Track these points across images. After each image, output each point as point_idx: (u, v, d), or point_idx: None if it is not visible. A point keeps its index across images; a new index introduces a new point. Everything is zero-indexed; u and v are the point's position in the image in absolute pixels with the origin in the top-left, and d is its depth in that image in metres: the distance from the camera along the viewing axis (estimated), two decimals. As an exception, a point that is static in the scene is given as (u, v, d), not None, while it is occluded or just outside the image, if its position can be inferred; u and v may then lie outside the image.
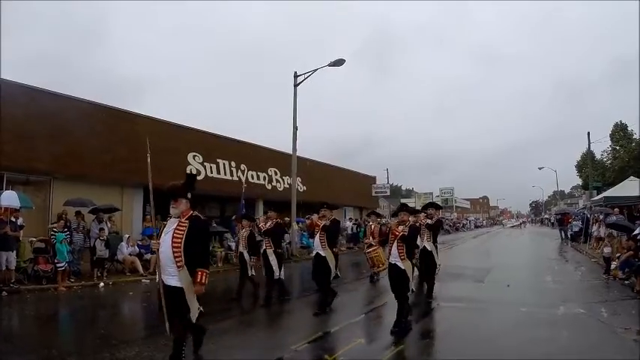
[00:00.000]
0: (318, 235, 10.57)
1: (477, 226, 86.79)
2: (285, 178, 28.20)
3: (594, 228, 25.01)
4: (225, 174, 24.67)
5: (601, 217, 22.79)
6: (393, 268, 8.62)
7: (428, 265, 12.07)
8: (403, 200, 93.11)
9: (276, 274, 11.57)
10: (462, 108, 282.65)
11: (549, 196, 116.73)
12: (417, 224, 10.11)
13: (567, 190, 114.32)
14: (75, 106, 17.93)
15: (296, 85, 22.23)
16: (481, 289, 13.62)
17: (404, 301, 8.55)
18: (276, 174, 28.48)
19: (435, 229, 12.49)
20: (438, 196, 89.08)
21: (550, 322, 9.14)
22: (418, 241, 10.76)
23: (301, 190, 27.89)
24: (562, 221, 35.65)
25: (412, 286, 8.63)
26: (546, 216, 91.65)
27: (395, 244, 8.62)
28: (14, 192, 14.35)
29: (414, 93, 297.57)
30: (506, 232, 60.40)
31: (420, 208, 14.31)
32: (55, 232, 14.58)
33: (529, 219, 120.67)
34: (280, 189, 28.66)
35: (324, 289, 10.76)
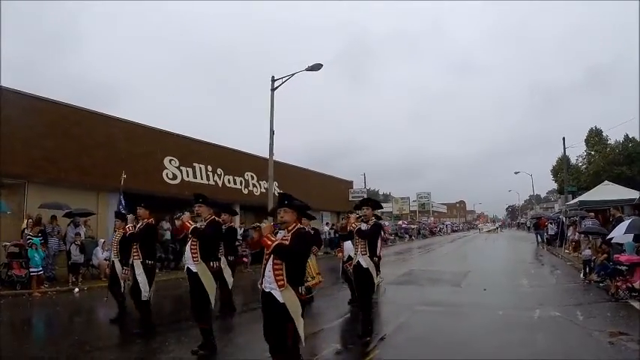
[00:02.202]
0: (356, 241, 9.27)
1: (453, 230, 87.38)
2: (262, 183, 28.23)
3: (570, 232, 25.28)
4: (202, 178, 24.64)
5: (576, 219, 23.02)
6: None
7: (362, 288, 8.51)
8: (385, 205, 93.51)
9: (144, 294, 8.99)
10: (437, 116, 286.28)
11: (525, 201, 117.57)
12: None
13: (543, 195, 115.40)
14: (51, 109, 17.91)
15: (273, 90, 22.19)
16: (458, 293, 13.68)
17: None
18: (252, 178, 28.49)
19: (371, 237, 8.56)
20: (415, 201, 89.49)
21: (526, 325, 9.25)
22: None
23: (277, 195, 27.75)
24: (538, 225, 35.95)
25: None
26: (522, 220, 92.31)
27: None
28: None
29: (389, 101, 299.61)
30: (483, 237, 60.68)
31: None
32: (31, 236, 14.46)
33: (505, 223, 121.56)
34: (257, 193, 28.73)
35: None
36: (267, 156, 23.26)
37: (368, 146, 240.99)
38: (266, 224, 5.86)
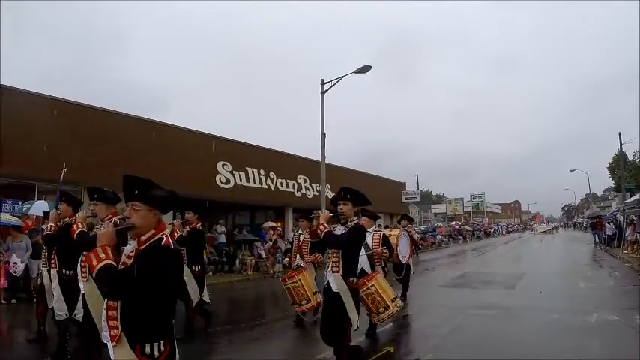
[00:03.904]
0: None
1: (508, 232, 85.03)
2: (314, 186, 28.14)
3: (628, 231, 24.52)
4: (255, 182, 24.59)
5: (635, 218, 22.33)
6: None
7: (332, 324, 5.90)
8: (435, 207, 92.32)
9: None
10: (482, 113, 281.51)
11: (582, 200, 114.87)
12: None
13: (600, 193, 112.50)
14: (102, 117, 18.23)
15: (323, 93, 22.04)
16: (512, 295, 13.26)
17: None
18: (305, 181, 28.40)
19: (346, 245, 5.90)
20: (468, 202, 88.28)
21: (583, 330, 8.85)
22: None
23: (331, 198, 27.51)
24: (595, 225, 34.94)
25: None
26: (579, 220, 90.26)
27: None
28: (45, 202, 14.48)
29: (434, 99, 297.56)
30: (538, 238, 59.29)
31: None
32: None
33: (561, 223, 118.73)
34: (309, 196, 28.51)
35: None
36: (318, 159, 23.13)
37: (416, 146, 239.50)
38: (325, 213, 5.96)
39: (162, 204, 3.49)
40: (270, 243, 21.06)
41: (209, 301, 9.24)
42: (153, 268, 3.10)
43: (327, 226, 5.80)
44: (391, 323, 9.80)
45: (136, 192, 3.37)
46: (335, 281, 5.82)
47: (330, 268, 5.96)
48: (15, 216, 14.22)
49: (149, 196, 3.38)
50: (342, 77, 21.65)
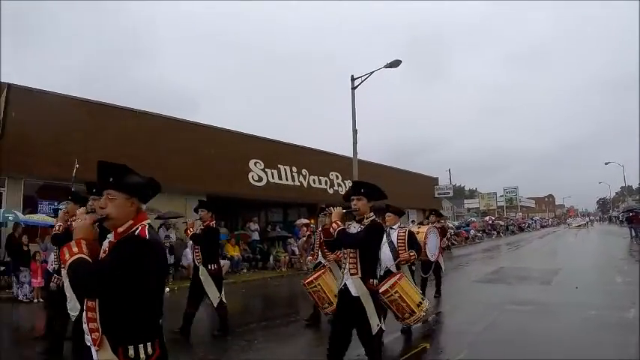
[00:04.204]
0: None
1: (542, 226, 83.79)
2: (347, 182, 27.84)
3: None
4: (287, 179, 24.62)
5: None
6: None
7: (350, 331, 5.36)
8: (467, 202, 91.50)
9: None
10: (515, 107, 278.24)
11: (617, 193, 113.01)
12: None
13: (635, 186, 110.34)
14: (136, 118, 18.51)
15: (353, 89, 21.89)
16: (548, 291, 12.93)
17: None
18: (337, 178, 28.28)
19: (364, 245, 5.28)
20: (502, 196, 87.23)
21: (620, 326, 8.55)
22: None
23: (343, 193, 27.21)
24: (631, 219, 34.24)
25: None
26: (614, 213, 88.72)
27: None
28: None
29: (464, 94, 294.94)
30: (573, 232, 58.09)
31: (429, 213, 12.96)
32: None
33: (596, 217, 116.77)
34: (342, 193, 27.90)
35: None
36: (350, 155, 23.02)
37: (447, 141, 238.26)
38: (337, 210, 5.36)
39: (141, 191, 3.11)
40: (304, 239, 21.04)
41: (225, 301, 8.77)
42: (125, 262, 2.75)
43: (340, 224, 5.25)
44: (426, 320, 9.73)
45: (111, 179, 3.01)
46: (354, 285, 5.24)
47: (347, 271, 5.37)
48: (51, 216, 14.24)
49: (125, 183, 3.01)
50: (372, 72, 21.48)
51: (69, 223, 6.78)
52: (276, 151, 24.28)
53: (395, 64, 21.26)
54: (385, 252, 8.02)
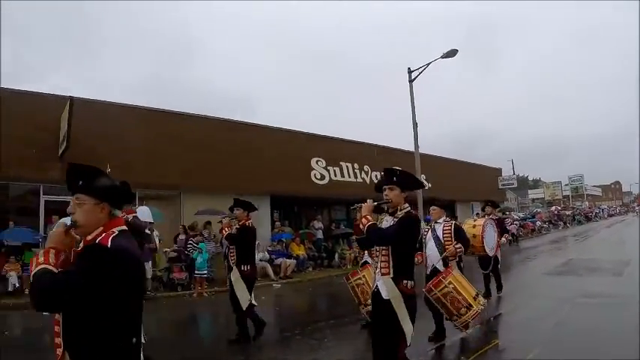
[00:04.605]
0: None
1: (610, 215, 79.85)
2: (410, 177, 27.46)
3: None
4: (349, 176, 24.29)
5: None
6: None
7: (381, 337, 4.77)
8: (532, 193, 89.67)
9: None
10: (569, 93, 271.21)
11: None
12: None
13: None
14: (198, 123, 18.72)
15: (411, 81, 21.52)
16: (621, 283, 12.38)
17: None
18: (399, 173, 27.82)
19: (397, 240, 4.71)
20: (567, 185, 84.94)
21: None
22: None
23: (426, 188, 27.11)
24: None
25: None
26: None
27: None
28: (147, 207, 14.93)
29: (522, 83, 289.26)
30: (644, 219, 55.93)
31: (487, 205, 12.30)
32: (195, 243, 15.34)
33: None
34: (425, 188, 27.58)
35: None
36: (411, 149, 22.72)
37: (507, 131, 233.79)
38: (367, 203, 4.81)
39: (111, 196, 2.83)
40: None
41: (256, 303, 8.33)
42: (83, 273, 2.44)
43: (369, 218, 4.73)
44: (497, 314, 9.32)
45: (81, 182, 2.76)
46: (385, 286, 4.70)
47: (378, 270, 4.83)
48: None
49: (95, 187, 2.76)
50: (429, 64, 21.04)
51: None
52: (337, 149, 24.02)
53: (451, 53, 20.74)
54: (431, 248, 7.80)
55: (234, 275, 8.08)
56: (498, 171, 41.77)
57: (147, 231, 14.30)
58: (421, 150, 23.12)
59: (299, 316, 9.04)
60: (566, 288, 11.90)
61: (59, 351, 2.58)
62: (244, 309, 7.96)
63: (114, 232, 2.67)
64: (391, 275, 4.63)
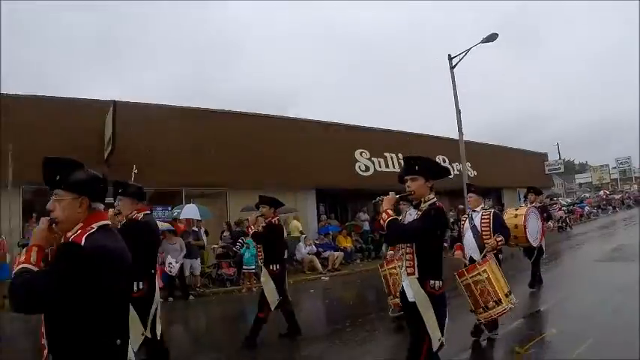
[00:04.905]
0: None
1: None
2: (455, 165, 27.06)
3: None
4: (394, 167, 23.80)
5: None
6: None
7: (411, 342, 4.33)
8: (578, 177, 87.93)
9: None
10: (618, 74, 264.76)
11: None
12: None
13: None
14: (242, 121, 18.98)
15: (452, 68, 21.08)
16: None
17: None
18: (444, 161, 27.21)
19: (420, 236, 4.26)
20: (614, 168, 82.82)
21: None
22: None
23: (472, 175, 26.80)
24: None
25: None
26: None
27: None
28: (194, 205, 15.11)
29: (563, 65, 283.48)
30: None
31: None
32: (242, 239, 15.13)
33: None
34: (450, 176, 27.23)
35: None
36: (455, 137, 22.35)
37: (551, 115, 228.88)
38: (389, 197, 4.37)
39: (90, 189, 2.66)
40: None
41: (290, 299, 8.11)
42: (56, 273, 2.31)
43: (390, 213, 4.24)
44: (553, 302, 8.98)
45: (58, 177, 2.60)
46: (410, 287, 4.26)
47: (403, 269, 4.40)
48: (166, 221, 14.83)
49: (72, 181, 2.60)
50: (469, 49, 20.54)
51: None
52: (380, 140, 23.81)
53: (491, 37, 20.17)
54: (468, 239, 7.26)
55: (264, 275, 7.75)
56: (544, 156, 40.84)
57: (194, 228, 14.58)
58: (465, 137, 22.73)
59: (349, 309, 8.91)
60: (619, 275, 11.37)
61: (45, 352, 2.46)
62: (272, 309, 7.61)
63: (92, 229, 2.55)
64: (416, 275, 4.20)
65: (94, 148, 15.16)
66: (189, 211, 14.74)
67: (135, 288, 5.12)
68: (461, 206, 22.44)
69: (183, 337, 9.70)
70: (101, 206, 2.73)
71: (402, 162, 23.75)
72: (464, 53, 20.69)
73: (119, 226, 5.31)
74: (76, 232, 2.53)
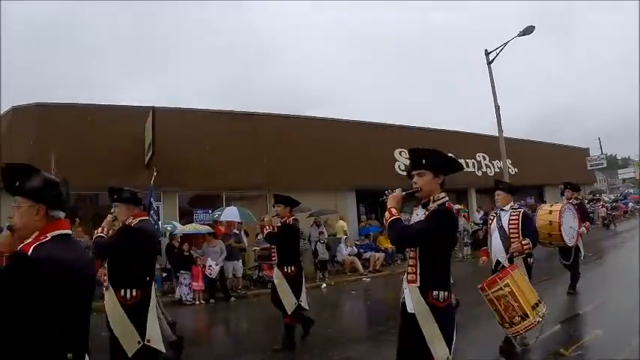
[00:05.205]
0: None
1: None
2: (495, 162, 26.59)
3: None
4: (435, 165, 23.74)
5: None
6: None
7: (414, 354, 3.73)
8: (621, 172, 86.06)
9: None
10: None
11: None
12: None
13: None
14: (277, 122, 19.04)
15: (489, 63, 20.70)
16: None
17: None
18: (484, 159, 26.85)
19: (423, 239, 3.67)
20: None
21: None
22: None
23: (512, 173, 26.31)
24: None
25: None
26: None
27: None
28: (235, 207, 15.14)
29: (599, 55, 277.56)
30: None
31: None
32: None
33: None
34: (491, 174, 26.53)
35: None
36: (495, 133, 21.96)
37: (591, 109, 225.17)
38: (395, 194, 3.86)
39: (46, 196, 2.49)
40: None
41: (307, 307, 7.74)
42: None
43: (394, 212, 3.74)
44: (597, 302, 8.62)
45: (17, 183, 2.48)
46: (410, 296, 3.72)
47: (405, 276, 3.85)
48: (206, 223, 15.19)
49: (27, 188, 2.47)
50: (506, 43, 20.14)
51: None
52: (419, 138, 23.29)
53: (528, 30, 19.72)
54: (495, 240, 6.65)
55: (277, 277, 7.52)
56: (586, 151, 39.90)
57: (235, 231, 14.59)
58: (507, 134, 22.32)
59: (390, 310, 8.64)
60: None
61: None
62: (290, 313, 7.34)
63: (45, 238, 2.41)
64: (418, 284, 3.65)
65: (135, 153, 15.37)
66: (230, 213, 14.73)
67: (128, 295, 5.00)
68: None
69: (225, 338, 9.78)
70: (61, 214, 2.57)
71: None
72: (501, 47, 20.32)
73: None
74: (28, 241, 2.38)
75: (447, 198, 3.79)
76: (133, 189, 5.55)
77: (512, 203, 6.79)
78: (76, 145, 14.20)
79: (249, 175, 16.89)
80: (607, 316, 7.85)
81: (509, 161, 23.65)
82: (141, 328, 5.03)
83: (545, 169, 29.98)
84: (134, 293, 5.03)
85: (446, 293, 3.63)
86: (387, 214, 3.79)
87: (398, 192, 3.87)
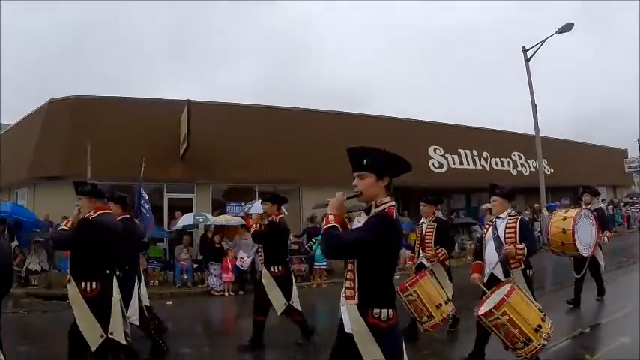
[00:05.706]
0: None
1: None
2: (531, 162, 26.05)
3: None
4: (468, 164, 23.44)
5: None
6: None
7: None
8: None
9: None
10: None
11: None
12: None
13: None
14: (311, 118, 19.30)
15: (527, 61, 20.29)
16: None
17: None
18: (520, 158, 26.38)
19: (363, 247, 3.17)
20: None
21: None
22: None
23: (547, 173, 25.82)
24: None
25: None
26: None
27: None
28: None
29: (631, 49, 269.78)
30: None
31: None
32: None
33: None
34: (526, 174, 26.32)
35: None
36: (531, 133, 21.58)
37: (629, 109, 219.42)
38: (335, 198, 3.43)
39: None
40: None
41: (299, 307, 7.38)
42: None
43: (331, 219, 3.30)
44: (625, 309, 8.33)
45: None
46: (348, 314, 3.28)
47: (342, 291, 3.39)
48: (239, 216, 15.20)
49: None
50: (544, 40, 19.71)
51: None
52: (454, 136, 23.28)
53: (567, 27, 19.25)
54: (490, 251, 5.91)
55: (266, 277, 7.16)
56: (624, 152, 38.88)
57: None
58: (543, 133, 21.90)
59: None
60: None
61: None
62: (279, 314, 7.14)
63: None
64: (356, 301, 3.22)
65: (170, 146, 15.47)
66: (259, 206, 14.77)
67: (88, 288, 5.03)
68: (536, 205, 21.69)
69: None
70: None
71: (476, 159, 23.37)
72: (539, 44, 19.92)
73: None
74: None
75: (392, 203, 3.34)
76: (94, 182, 5.68)
77: (509, 210, 6.04)
78: (111, 136, 14.43)
79: (282, 169, 17.00)
80: (635, 323, 7.61)
81: (545, 161, 23.23)
82: (103, 321, 5.05)
83: (582, 170, 29.28)
84: (94, 286, 5.05)
85: (390, 311, 3.19)
86: (324, 220, 3.44)
87: (339, 196, 3.44)
